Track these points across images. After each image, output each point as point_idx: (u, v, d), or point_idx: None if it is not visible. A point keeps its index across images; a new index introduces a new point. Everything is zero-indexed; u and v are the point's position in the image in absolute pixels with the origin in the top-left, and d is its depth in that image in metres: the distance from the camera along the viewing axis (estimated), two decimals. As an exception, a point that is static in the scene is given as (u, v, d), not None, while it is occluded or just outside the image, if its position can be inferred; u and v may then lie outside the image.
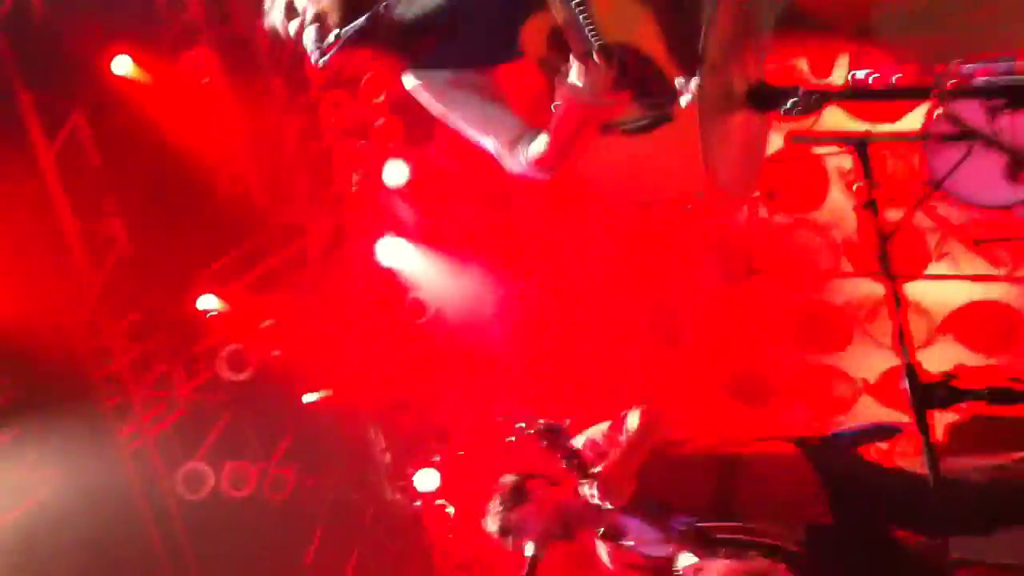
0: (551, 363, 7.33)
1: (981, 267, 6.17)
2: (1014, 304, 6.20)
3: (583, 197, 6.86)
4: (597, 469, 3.37)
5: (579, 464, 3.42)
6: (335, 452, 7.60)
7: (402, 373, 7.51)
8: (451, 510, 7.11)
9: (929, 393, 3.08)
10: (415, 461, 7.24)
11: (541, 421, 3.52)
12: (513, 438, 3.56)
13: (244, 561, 6.98)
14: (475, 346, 7.53)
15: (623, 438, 3.51)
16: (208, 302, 7.16)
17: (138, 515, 6.66)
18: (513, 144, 2.84)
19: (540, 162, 2.79)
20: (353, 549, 7.50)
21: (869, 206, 3.02)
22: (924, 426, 3.09)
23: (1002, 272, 6.05)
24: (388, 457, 7.46)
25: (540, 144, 2.76)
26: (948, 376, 2.78)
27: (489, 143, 2.91)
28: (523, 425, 3.52)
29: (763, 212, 6.60)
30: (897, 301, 2.87)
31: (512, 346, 7.45)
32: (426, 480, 7.18)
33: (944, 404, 3.07)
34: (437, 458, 7.32)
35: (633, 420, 3.52)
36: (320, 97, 7.63)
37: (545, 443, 3.49)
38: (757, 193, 6.51)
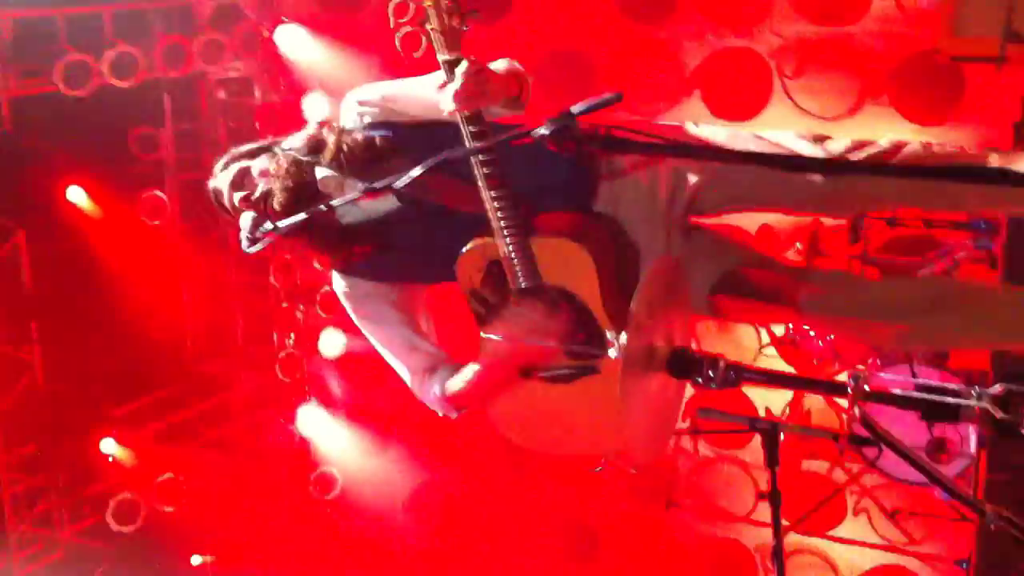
0: (456, 563, 7.09)
1: (892, 533, 6.19)
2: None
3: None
4: None
5: None
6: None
7: (297, 548, 7.19)
8: None
9: None
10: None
11: None
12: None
13: None
14: (378, 531, 7.27)
15: None
16: (109, 446, 6.87)
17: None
18: (426, 374, 2.75)
19: (453, 400, 2.70)
20: None
21: (772, 496, 2.97)
22: None
23: (905, 544, 6.10)
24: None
25: (457, 382, 2.67)
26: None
27: (400, 368, 2.80)
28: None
29: (686, 443, 6.60)
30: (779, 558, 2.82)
31: (417, 537, 7.20)
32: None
33: None
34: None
35: None
36: (272, 256, 7.60)
37: None
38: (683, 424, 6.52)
